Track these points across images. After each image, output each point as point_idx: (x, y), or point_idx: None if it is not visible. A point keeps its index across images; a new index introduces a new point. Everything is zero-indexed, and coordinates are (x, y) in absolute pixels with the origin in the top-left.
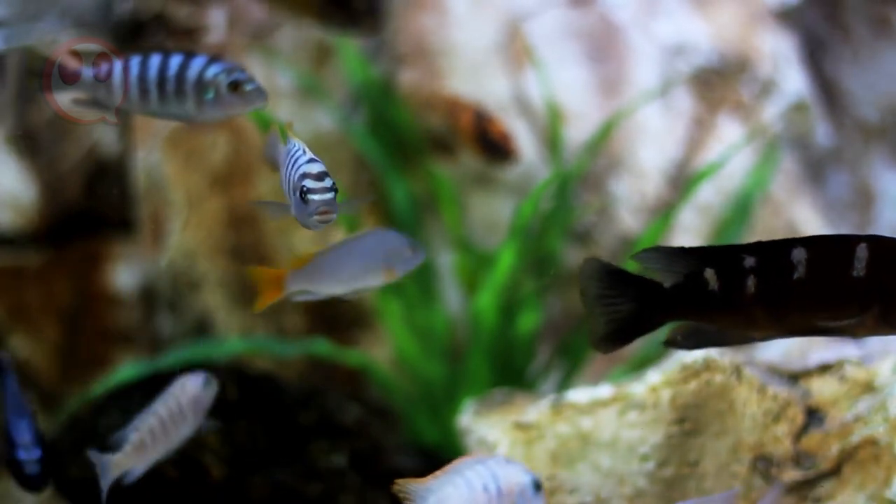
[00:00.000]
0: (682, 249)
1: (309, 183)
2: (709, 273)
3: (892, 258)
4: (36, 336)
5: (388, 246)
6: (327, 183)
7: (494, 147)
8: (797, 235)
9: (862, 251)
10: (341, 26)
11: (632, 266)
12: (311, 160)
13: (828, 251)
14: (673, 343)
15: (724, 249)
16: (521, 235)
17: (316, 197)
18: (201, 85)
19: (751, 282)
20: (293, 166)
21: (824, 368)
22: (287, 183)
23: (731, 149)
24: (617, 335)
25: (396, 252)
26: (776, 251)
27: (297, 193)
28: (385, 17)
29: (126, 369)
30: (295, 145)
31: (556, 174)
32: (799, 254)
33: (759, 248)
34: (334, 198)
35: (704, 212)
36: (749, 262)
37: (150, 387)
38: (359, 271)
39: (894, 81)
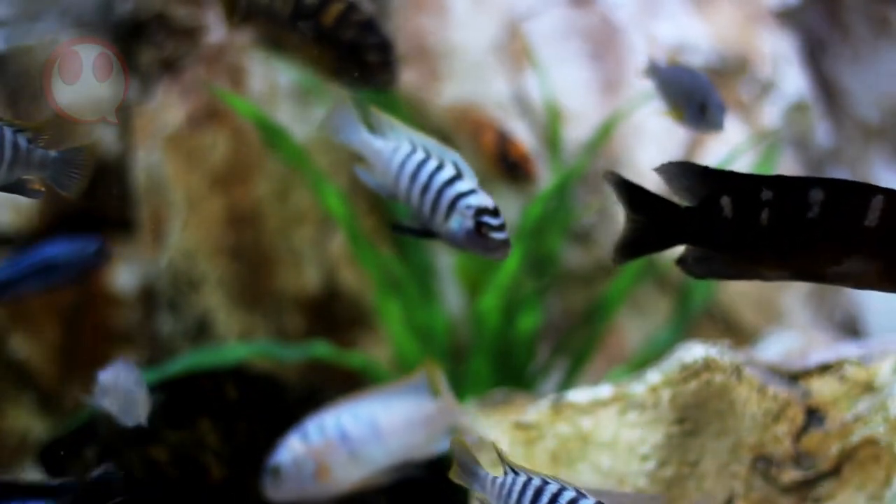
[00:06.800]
0: (704, 170)
1: (490, 219)
2: (725, 200)
3: None
4: (36, 336)
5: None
6: (503, 219)
7: (514, 167)
8: None
9: (878, 202)
10: (357, 82)
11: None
12: (474, 190)
13: (844, 196)
14: (683, 264)
15: (745, 178)
16: (526, 237)
17: (499, 236)
18: None
19: (764, 215)
20: (446, 185)
21: (824, 368)
22: (423, 195)
23: (734, 152)
24: (627, 248)
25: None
26: (794, 188)
27: (471, 222)
28: (398, 67)
29: None
30: (414, 147)
31: (563, 176)
32: (816, 194)
33: (778, 182)
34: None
35: None
36: (766, 195)
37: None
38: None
39: (894, 81)
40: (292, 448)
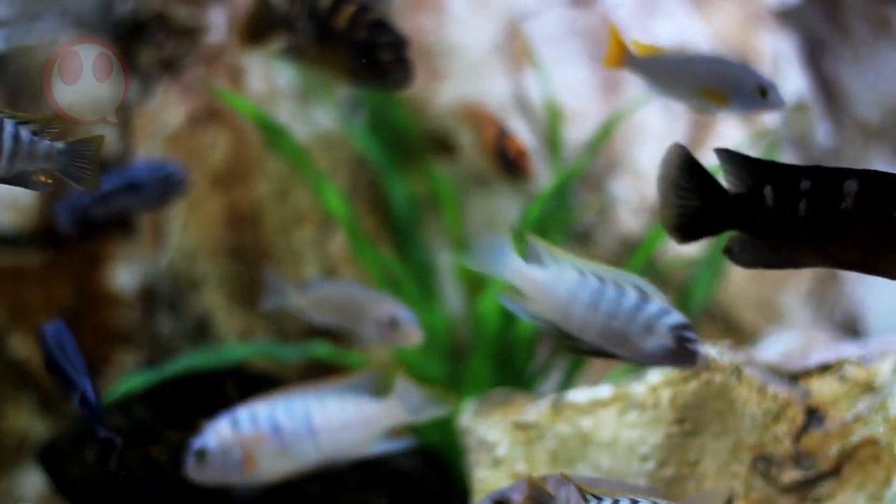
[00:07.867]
0: (750, 160)
1: (688, 334)
2: (768, 189)
3: None
4: (36, 336)
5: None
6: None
7: (511, 164)
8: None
9: None
10: (372, 82)
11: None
12: (668, 310)
13: (877, 187)
14: (729, 252)
15: (787, 168)
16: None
17: (697, 348)
18: None
19: (802, 205)
20: (636, 310)
21: (824, 368)
22: (608, 323)
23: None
24: (685, 229)
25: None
26: (830, 179)
27: (672, 342)
28: (413, 65)
29: (133, 377)
30: (583, 274)
31: (563, 176)
32: (850, 185)
33: (816, 172)
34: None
35: None
36: (805, 185)
37: (151, 393)
38: (698, 83)
39: (894, 81)
40: (221, 434)
